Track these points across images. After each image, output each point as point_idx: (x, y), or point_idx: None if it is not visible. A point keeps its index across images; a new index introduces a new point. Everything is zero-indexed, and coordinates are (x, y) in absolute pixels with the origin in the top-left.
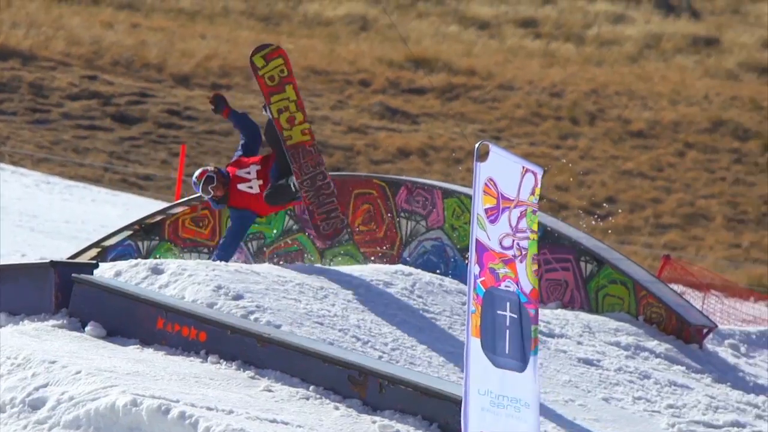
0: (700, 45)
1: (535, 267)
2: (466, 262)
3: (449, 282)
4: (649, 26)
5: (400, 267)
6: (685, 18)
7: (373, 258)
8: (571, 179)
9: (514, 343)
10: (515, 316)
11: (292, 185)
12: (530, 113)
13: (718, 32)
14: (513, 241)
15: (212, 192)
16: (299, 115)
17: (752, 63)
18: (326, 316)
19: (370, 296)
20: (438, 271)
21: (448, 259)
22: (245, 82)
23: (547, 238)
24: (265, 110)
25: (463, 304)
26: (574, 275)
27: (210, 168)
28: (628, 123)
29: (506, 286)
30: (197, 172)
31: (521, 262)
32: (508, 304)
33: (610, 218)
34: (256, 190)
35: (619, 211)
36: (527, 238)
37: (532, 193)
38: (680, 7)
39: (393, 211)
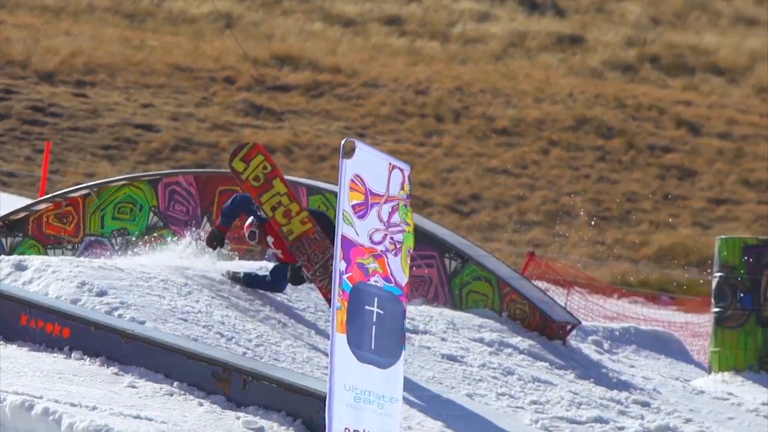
0: (565, 43)
1: (409, 261)
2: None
3: None
4: (513, 24)
5: (265, 263)
6: (550, 16)
7: (239, 254)
8: (436, 177)
9: (379, 339)
10: (382, 312)
11: (303, 275)
12: (395, 111)
13: (582, 30)
14: (385, 235)
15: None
16: (294, 207)
17: (616, 61)
18: (190, 313)
19: (235, 292)
20: None
21: None
22: (110, 80)
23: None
24: (257, 212)
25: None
26: (438, 272)
27: (253, 222)
28: (492, 120)
29: (375, 281)
30: (246, 223)
31: (396, 255)
32: (376, 299)
33: (475, 215)
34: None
35: (484, 208)
36: (402, 231)
37: (402, 189)
38: (545, 5)
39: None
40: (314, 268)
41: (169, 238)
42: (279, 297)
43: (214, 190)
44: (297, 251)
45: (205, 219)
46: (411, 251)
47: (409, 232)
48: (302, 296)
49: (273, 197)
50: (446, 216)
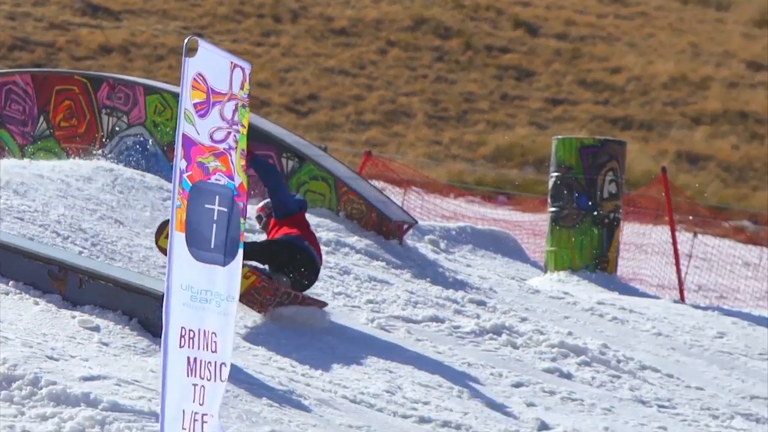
0: None
1: (243, 162)
2: (169, 158)
3: (151, 178)
4: None
5: (101, 163)
6: None
7: (74, 154)
8: (273, 77)
9: (220, 237)
10: (224, 209)
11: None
12: (233, 10)
13: None
14: (228, 134)
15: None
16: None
17: None
18: (26, 212)
19: (71, 192)
20: (139, 167)
21: (150, 155)
22: None
23: (249, 135)
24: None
25: (165, 199)
26: None
27: (267, 208)
28: (330, 21)
29: (216, 180)
30: (260, 205)
31: (235, 154)
32: (217, 197)
33: (312, 115)
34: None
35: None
36: (239, 131)
37: (242, 88)
38: None
39: (94, 108)
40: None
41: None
42: (114, 196)
43: (51, 90)
44: (249, 303)
45: (42, 119)
46: (244, 152)
47: (243, 133)
48: (139, 196)
49: None
50: (284, 116)
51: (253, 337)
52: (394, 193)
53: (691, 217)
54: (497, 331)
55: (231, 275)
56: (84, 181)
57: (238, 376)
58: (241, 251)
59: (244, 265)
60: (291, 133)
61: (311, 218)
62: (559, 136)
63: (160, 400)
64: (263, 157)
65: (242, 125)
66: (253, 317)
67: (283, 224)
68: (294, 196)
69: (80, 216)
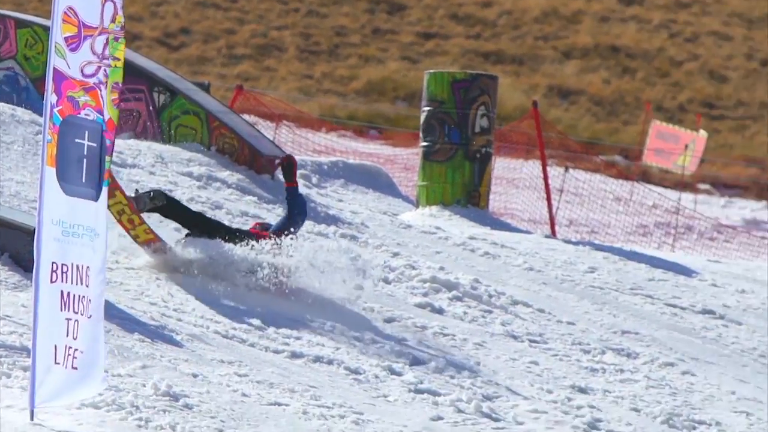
0: None
1: (115, 96)
2: (40, 92)
3: (22, 112)
4: None
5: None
6: None
7: None
8: (144, 10)
9: (90, 172)
10: (94, 144)
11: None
12: None
13: None
14: (98, 68)
15: None
16: (135, 218)
17: None
18: None
19: None
20: (11, 102)
21: (21, 89)
22: None
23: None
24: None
25: (37, 134)
26: (146, 106)
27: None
28: None
29: (86, 115)
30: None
31: (105, 89)
32: (87, 132)
33: (184, 49)
34: None
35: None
36: (110, 66)
37: (113, 21)
38: None
39: None
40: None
41: None
42: None
43: None
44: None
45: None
46: (116, 86)
47: (116, 66)
48: (10, 130)
49: (117, 204)
50: (155, 50)
51: (124, 272)
52: (266, 128)
53: (562, 152)
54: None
55: (101, 210)
56: None
57: (110, 312)
58: (105, 189)
59: (144, 223)
60: (162, 67)
61: (183, 153)
62: (431, 71)
63: (31, 335)
64: None
65: (115, 59)
66: (125, 252)
67: None
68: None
69: None
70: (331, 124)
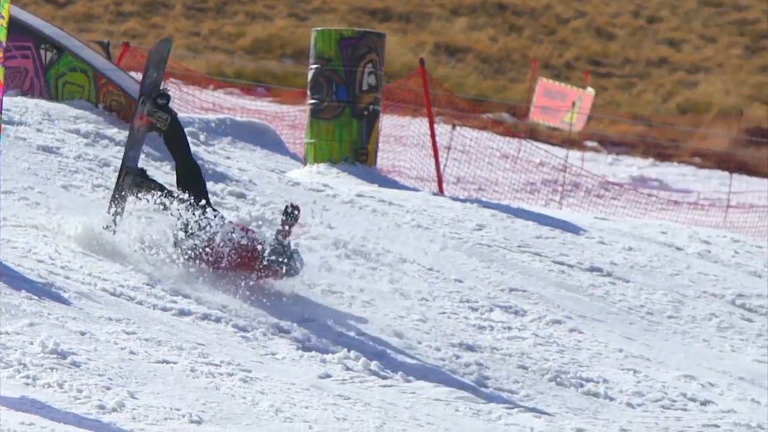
0: None
1: (0, 54)
2: None
3: None
4: None
5: None
6: None
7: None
8: None
9: None
10: None
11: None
12: None
13: None
14: None
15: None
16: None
17: None
18: None
19: None
20: None
21: None
22: None
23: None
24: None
25: None
26: (33, 63)
27: None
28: None
29: None
30: None
31: None
32: None
33: (70, 6)
34: None
35: None
36: None
37: None
38: None
39: None
40: None
41: None
42: None
43: None
44: None
45: None
46: (2, 45)
47: (2, 25)
48: None
49: None
50: (41, 7)
51: (11, 230)
52: None
53: (450, 110)
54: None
55: None
56: None
57: None
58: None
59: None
60: (49, 24)
61: (70, 110)
62: (318, 28)
63: None
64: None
65: (0, 17)
66: (11, 209)
67: None
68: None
69: None
70: (218, 82)
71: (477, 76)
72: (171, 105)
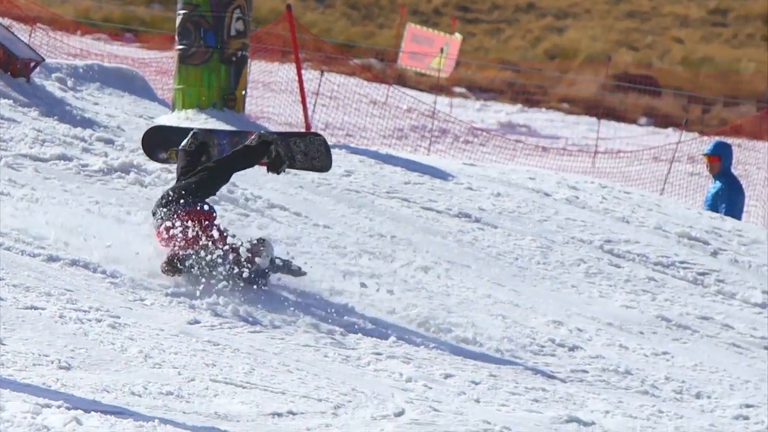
0: None
1: None
2: None
3: None
4: None
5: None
6: None
7: None
8: None
9: None
10: None
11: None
12: None
13: None
14: None
15: None
16: None
17: None
18: None
19: None
20: None
21: None
22: None
23: None
24: None
25: None
26: None
27: None
28: None
29: None
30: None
31: None
32: None
33: None
34: None
35: None
36: None
37: None
38: None
39: None
40: None
41: None
42: None
43: None
44: None
45: None
46: None
47: None
48: None
49: None
50: None
51: None
52: (21, 30)
53: (318, 55)
54: (125, 169)
55: None
56: None
57: None
58: None
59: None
60: None
61: None
62: None
63: None
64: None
65: None
66: None
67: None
68: None
69: None
70: (86, 27)
71: (345, 21)
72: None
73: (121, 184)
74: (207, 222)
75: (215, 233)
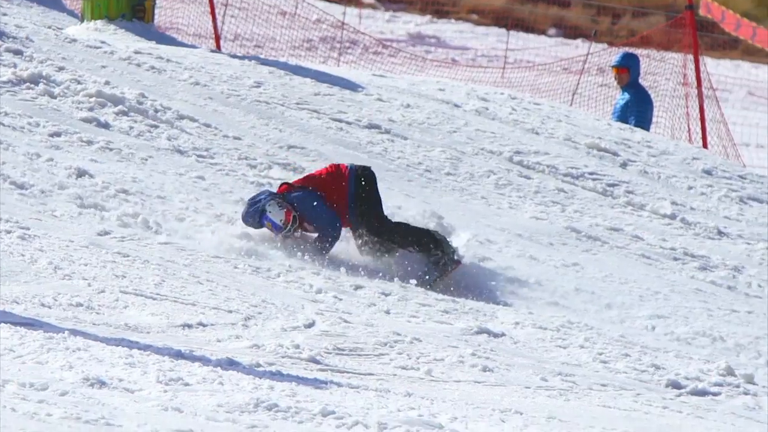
0: None
1: None
2: None
3: None
4: None
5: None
6: None
7: None
8: None
9: None
10: None
11: None
12: None
13: None
14: None
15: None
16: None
17: None
18: None
19: None
20: None
21: None
22: None
23: None
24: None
25: None
26: None
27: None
28: None
29: None
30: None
31: None
32: None
33: None
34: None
35: None
36: None
37: None
38: None
39: None
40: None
41: None
42: None
43: None
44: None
45: None
46: None
47: None
48: None
49: None
50: None
51: None
52: None
53: None
54: (34, 80)
55: None
56: None
57: None
58: None
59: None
60: None
61: None
62: None
63: None
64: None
65: None
66: None
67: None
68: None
69: None
70: None
71: None
72: None
73: (30, 95)
74: None
75: None
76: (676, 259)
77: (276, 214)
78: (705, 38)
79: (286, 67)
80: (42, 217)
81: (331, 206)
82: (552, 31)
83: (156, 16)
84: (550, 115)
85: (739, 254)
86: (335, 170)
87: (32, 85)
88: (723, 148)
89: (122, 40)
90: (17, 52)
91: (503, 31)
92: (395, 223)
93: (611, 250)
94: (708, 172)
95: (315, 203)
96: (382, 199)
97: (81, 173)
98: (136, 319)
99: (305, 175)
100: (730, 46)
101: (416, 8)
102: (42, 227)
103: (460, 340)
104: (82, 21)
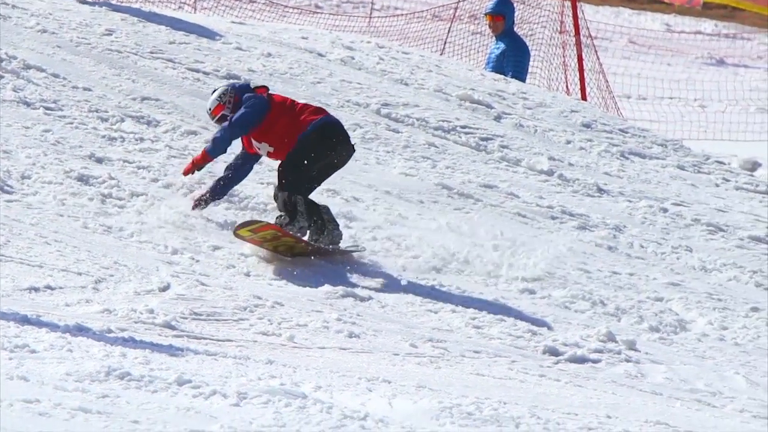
0: None
1: None
2: None
3: None
4: None
5: None
6: None
7: None
8: None
9: None
10: None
11: None
12: None
13: None
14: None
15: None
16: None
17: None
18: None
19: None
20: None
21: None
22: None
23: None
24: None
25: None
26: None
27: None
28: None
29: None
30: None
31: None
32: None
33: None
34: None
35: None
36: None
37: None
38: None
39: None
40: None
41: None
42: None
43: None
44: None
45: None
46: None
47: None
48: None
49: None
50: None
51: None
52: None
53: None
54: None
55: None
56: None
57: None
58: None
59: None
60: None
61: None
62: None
63: None
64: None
65: None
66: None
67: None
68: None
69: None
70: None
71: None
72: None
73: None
74: None
75: None
76: (553, 217)
77: (213, 101)
78: None
79: (139, 14)
80: None
81: (276, 131)
82: None
83: None
84: (419, 65)
85: (620, 212)
86: (314, 109)
87: None
88: (602, 100)
89: None
90: None
91: None
92: (299, 187)
93: (485, 208)
94: (587, 126)
95: (253, 110)
96: (320, 176)
97: None
98: None
99: (292, 98)
100: None
101: None
102: None
103: (324, 304)
104: None
